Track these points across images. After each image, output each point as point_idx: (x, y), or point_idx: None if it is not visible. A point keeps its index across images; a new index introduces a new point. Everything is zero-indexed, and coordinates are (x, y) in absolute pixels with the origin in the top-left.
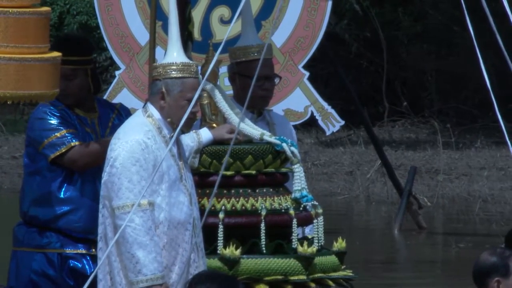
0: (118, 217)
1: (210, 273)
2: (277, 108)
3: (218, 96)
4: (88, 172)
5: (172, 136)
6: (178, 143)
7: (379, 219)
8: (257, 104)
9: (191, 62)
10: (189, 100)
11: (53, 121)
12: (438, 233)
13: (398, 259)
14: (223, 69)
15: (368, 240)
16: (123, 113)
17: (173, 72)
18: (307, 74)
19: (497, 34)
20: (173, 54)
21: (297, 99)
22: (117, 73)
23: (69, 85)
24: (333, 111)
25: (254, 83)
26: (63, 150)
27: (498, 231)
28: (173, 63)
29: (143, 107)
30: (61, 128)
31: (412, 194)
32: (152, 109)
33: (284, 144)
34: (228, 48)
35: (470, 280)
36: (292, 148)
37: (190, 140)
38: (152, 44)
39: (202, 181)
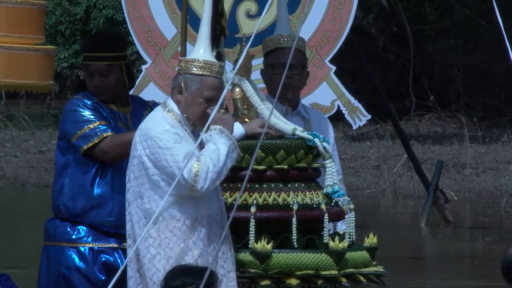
0: (198, 183)
1: (181, 268)
2: (304, 102)
3: (250, 91)
4: (118, 166)
5: (193, 131)
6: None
7: (405, 213)
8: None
9: (214, 61)
10: (206, 99)
11: (86, 113)
12: (465, 227)
13: (425, 253)
14: (255, 63)
15: (395, 234)
16: None
17: (194, 68)
18: (333, 68)
19: None
20: (200, 51)
21: (324, 93)
22: (143, 67)
23: (105, 81)
24: (359, 105)
25: (285, 71)
26: (96, 141)
27: None
28: (195, 59)
29: (163, 103)
30: (94, 120)
31: (439, 188)
32: (171, 104)
33: (316, 139)
34: (263, 40)
35: (497, 274)
36: (324, 144)
37: None
38: (184, 38)
39: (234, 175)
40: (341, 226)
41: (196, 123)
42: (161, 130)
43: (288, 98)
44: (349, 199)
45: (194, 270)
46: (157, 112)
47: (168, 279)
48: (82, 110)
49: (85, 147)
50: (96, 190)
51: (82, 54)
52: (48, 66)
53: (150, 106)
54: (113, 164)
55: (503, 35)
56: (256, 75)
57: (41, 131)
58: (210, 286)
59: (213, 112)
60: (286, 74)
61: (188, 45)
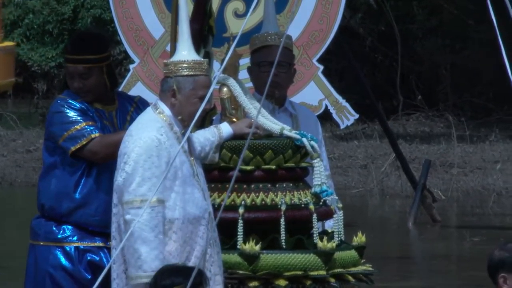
0: (126, 211)
1: (170, 267)
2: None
3: (238, 90)
4: (104, 166)
5: (183, 133)
6: (188, 139)
7: (393, 213)
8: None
9: (202, 59)
10: (200, 98)
11: (72, 114)
12: (453, 227)
13: (412, 252)
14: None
15: (382, 234)
16: (142, 106)
17: (185, 70)
18: (321, 67)
19: None
20: (183, 52)
21: (312, 93)
22: (131, 66)
23: (85, 83)
24: (347, 105)
25: (273, 69)
26: (84, 142)
27: None
28: (184, 60)
29: (153, 104)
30: (81, 120)
31: (427, 187)
32: (162, 106)
33: (304, 139)
34: (250, 38)
35: (484, 274)
36: (312, 143)
37: (211, 135)
38: (173, 39)
39: (222, 175)
40: (329, 223)
41: (190, 123)
42: (145, 136)
43: (274, 96)
44: (337, 198)
45: (184, 270)
46: (147, 114)
47: (158, 279)
48: (68, 111)
49: (73, 148)
50: (82, 190)
51: (64, 56)
52: (9, 63)
53: (136, 101)
54: (100, 164)
55: (496, 34)
56: (244, 74)
57: (29, 131)
58: (199, 285)
59: (200, 108)
60: (269, 72)
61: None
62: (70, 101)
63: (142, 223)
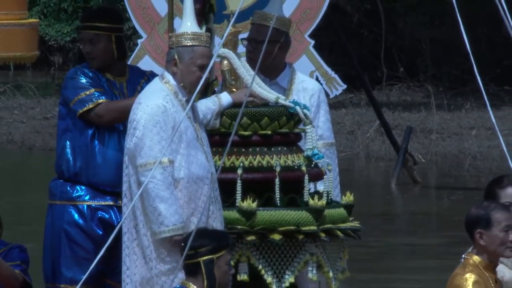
0: (141, 174)
1: (199, 230)
2: None
3: (237, 63)
4: (112, 129)
5: (187, 100)
6: (192, 107)
7: (377, 174)
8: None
9: (201, 32)
10: (199, 66)
11: (84, 81)
12: (432, 187)
13: (395, 211)
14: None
15: (367, 194)
16: (152, 79)
17: (185, 41)
18: (312, 42)
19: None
20: (187, 24)
21: (303, 65)
22: (139, 41)
23: (93, 49)
24: (336, 76)
25: (264, 47)
26: (91, 106)
27: (486, 185)
28: (185, 32)
29: (160, 75)
30: (90, 87)
31: (408, 151)
32: (168, 76)
33: (297, 107)
34: (253, 12)
35: (461, 230)
36: (305, 111)
37: (212, 103)
38: (171, 15)
39: (223, 140)
40: (320, 186)
41: (192, 90)
42: (152, 104)
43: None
44: (328, 160)
45: (211, 233)
46: (154, 84)
47: (187, 241)
48: (81, 78)
49: (80, 111)
50: (94, 151)
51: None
52: (33, 38)
53: (147, 75)
54: (109, 127)
55: (455, 10)
56: (243, 48)
57: (46, 99)
58: (226, 246)
59: (203, 77)
60: (248, 49)
61: (178, 20)
62: (84, 69)
63: (157, 183)
